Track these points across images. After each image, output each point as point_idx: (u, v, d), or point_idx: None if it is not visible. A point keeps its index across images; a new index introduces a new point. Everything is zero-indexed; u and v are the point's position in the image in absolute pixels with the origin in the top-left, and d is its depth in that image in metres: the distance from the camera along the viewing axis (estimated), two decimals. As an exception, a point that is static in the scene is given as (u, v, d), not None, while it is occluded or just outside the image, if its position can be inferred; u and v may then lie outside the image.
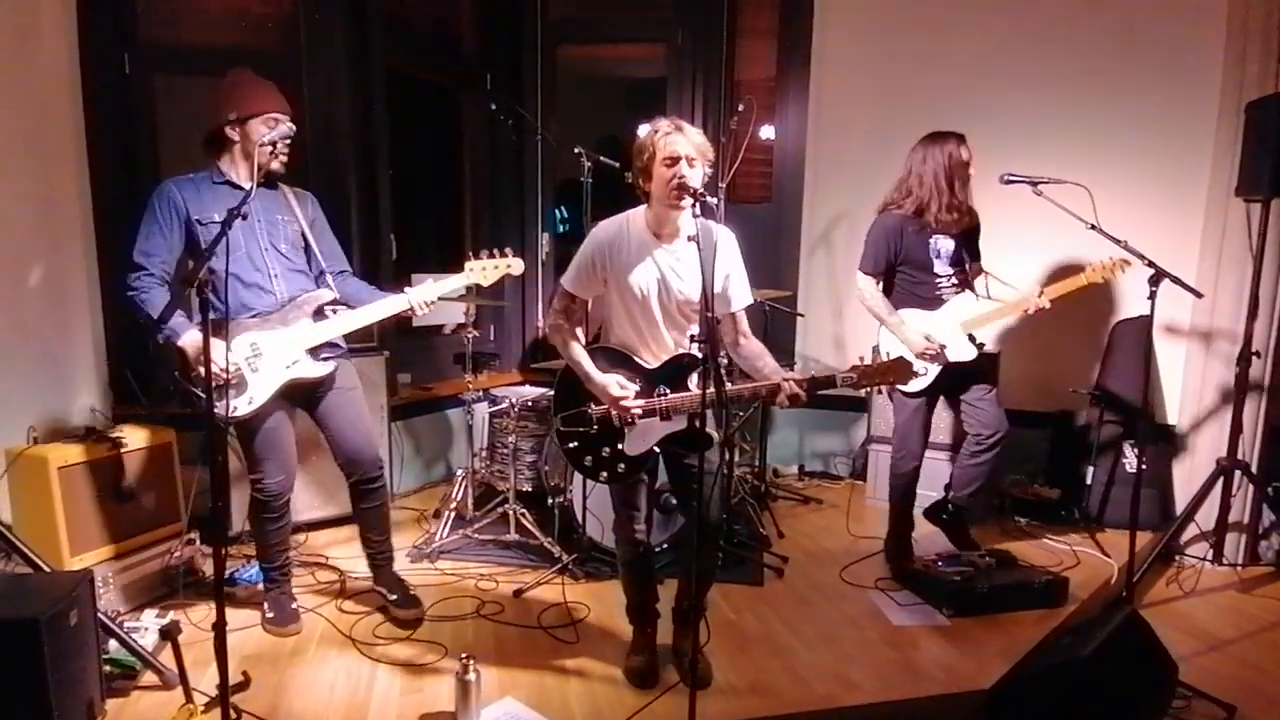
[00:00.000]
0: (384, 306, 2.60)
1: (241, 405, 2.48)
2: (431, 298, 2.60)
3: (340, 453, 2.70)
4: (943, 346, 2.99)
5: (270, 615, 2.69)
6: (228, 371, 2.40)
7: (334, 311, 2.63)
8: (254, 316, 2.52)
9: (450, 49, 4.60)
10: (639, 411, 2.23)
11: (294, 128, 2.53)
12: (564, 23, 4.61)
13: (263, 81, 2.56)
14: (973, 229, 3.12)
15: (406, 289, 2.62)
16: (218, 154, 2.55)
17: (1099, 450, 3.78)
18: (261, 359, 2.50)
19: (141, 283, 2.45)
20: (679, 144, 2.10)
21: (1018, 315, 3.00)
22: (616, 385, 2.22)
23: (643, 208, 2.25)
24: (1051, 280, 3.18)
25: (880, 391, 2.27)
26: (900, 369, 2.22)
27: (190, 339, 2.42)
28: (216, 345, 2.35)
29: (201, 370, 2.25)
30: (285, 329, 2.53)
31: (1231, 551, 3.42)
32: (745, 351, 2.36)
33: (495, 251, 2.70)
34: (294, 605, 2.73)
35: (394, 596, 2.78)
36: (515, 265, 2.69)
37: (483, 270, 2.68)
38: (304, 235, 2.65)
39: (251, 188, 2.29)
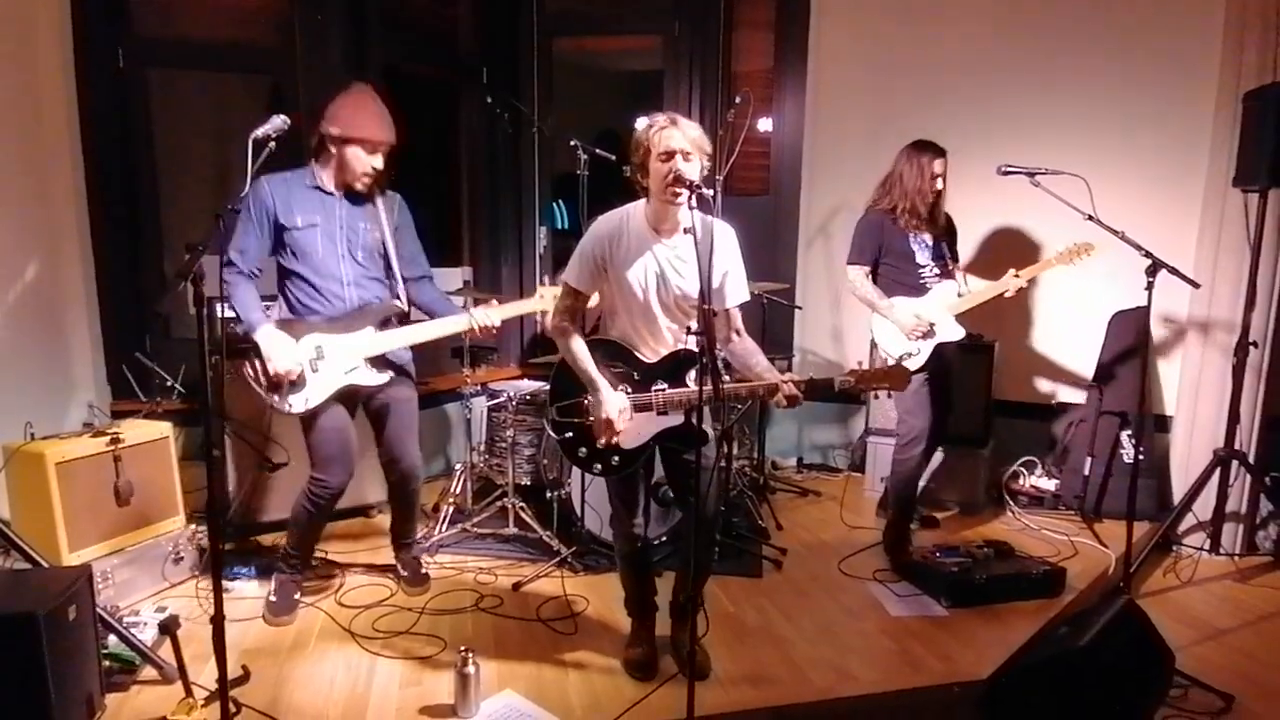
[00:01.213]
0: (444, 325, 2.69)
1: (297, 403, 2.57)
2: (496, 320, 2.68)
3: (387, 454, 2.83)
4: (932, 324, 3.13)
5: (273, 599, 2.72)
6: (275, 368, 2.48)
7: (399, 323, 2.71)
8: (321, 320, 2.60)
9: (446, 43, 4.59)
10: (628, 437, 2.23)
11: (382, 163, 2.62)
12: (560, 15, 4.60)
13: (376, 106, 2.61)
14: (949, 233, 3.29)
15: (471, 309, 2.70)
16: (316, 155, 2.62)
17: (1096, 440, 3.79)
18: (323, 361, 2.58)
19: (231, 278, 2.55)
20: (674, 138, 2.09)
21: (998, 295, 3.17)
22: (617, 410, 2.20)
23: (642, 202, 2.25)
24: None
25: (877, 396, 2.29)
26: (897, 374, 2.25)
27: (264, 336, 2.51)
28: (287, 340, 2.53)
29: (269, 364, 2.49)
30: (349, 335, 2.61)
31: (1229, 541, 3.43)
32: (737, 349, 2.35)
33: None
34: (297, 597, 2.76)
35: (405, 573, 2.95)
36: None
37: (555, 297, 2.63)
38: (384, 243, 2.70)
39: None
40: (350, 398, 2.68)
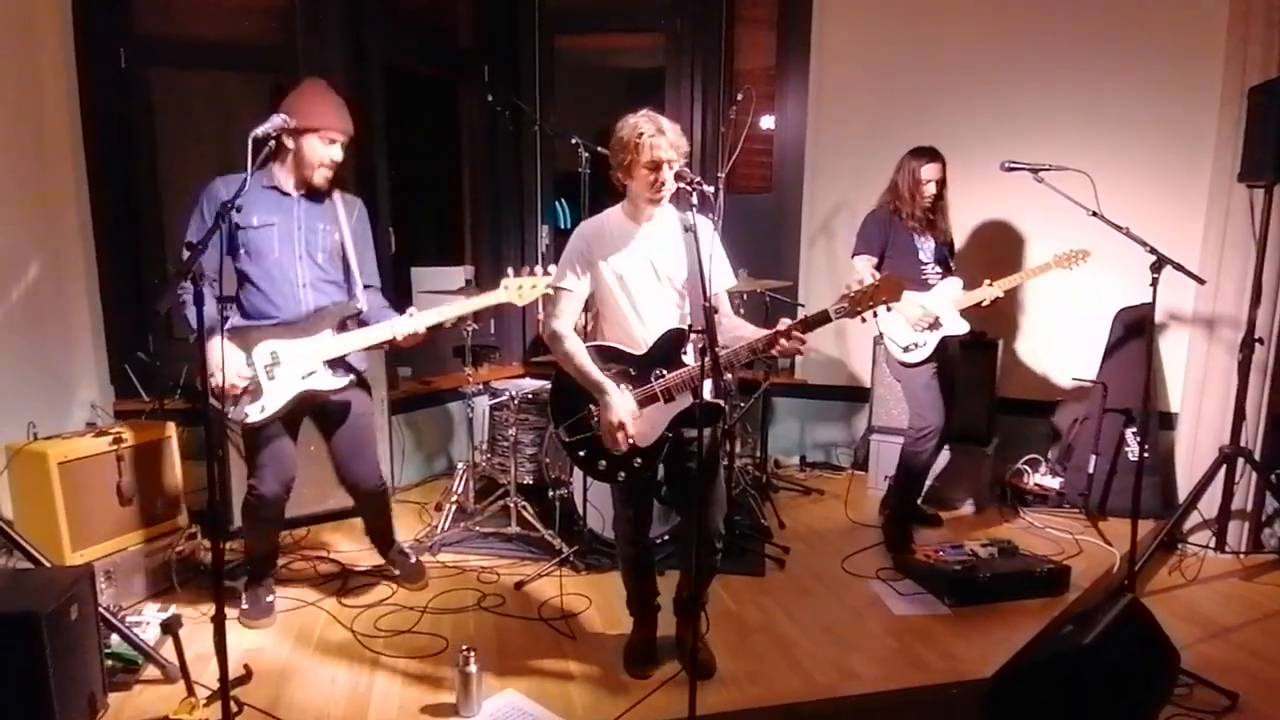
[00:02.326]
0: (370, 333, 2.55)
1: (254, 412, 2.49)
2: (420, 328, 2.53)
3: (345, 476, 2.79)
4: (937, 317, 3.18)
5: (245, 608, 2.70)
6: (218, 381, 2.36)
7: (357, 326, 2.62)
8: (275, 325, 2.52)
9: (447, 41, 4.58)
10: (643, 433, 2.20)
11: (341, 155, 2.54)
12: (561, 13, 4.59)
13: (331, 96, 2.55)
14: (947, 242, 3.37)
15: (410, 311, 2.56)
16: (273, 156, 2.54)
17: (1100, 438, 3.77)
18: (279, 368, 2.50)
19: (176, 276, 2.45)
20: (662, 149, 2.11)
21: (975, 305, 3.25)
22: (627, 412, 2.16)
23: (620, 204, 2.29)
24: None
25: (876, 314, 2.20)
26: (890, 285, 2.10)
27: (210, 346, 2.37)
28: (233, 351, 2.42)
29: (212, 380, 2.31)
30: (306, 339, 2.53)
31: (1234, 539, 3.41)
32: (725, 327, 2.32)
33: (529, 269, 2.61)
34: (269, 599, 2.73)
35: (399, 571, 2.93)
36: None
37: (519, 290, 2.59)
38: (343, 246, 2.63)
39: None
40: (301, 408, 2.58)
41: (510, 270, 2.65)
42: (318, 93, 2.54)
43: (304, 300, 2.55)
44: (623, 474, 2.25)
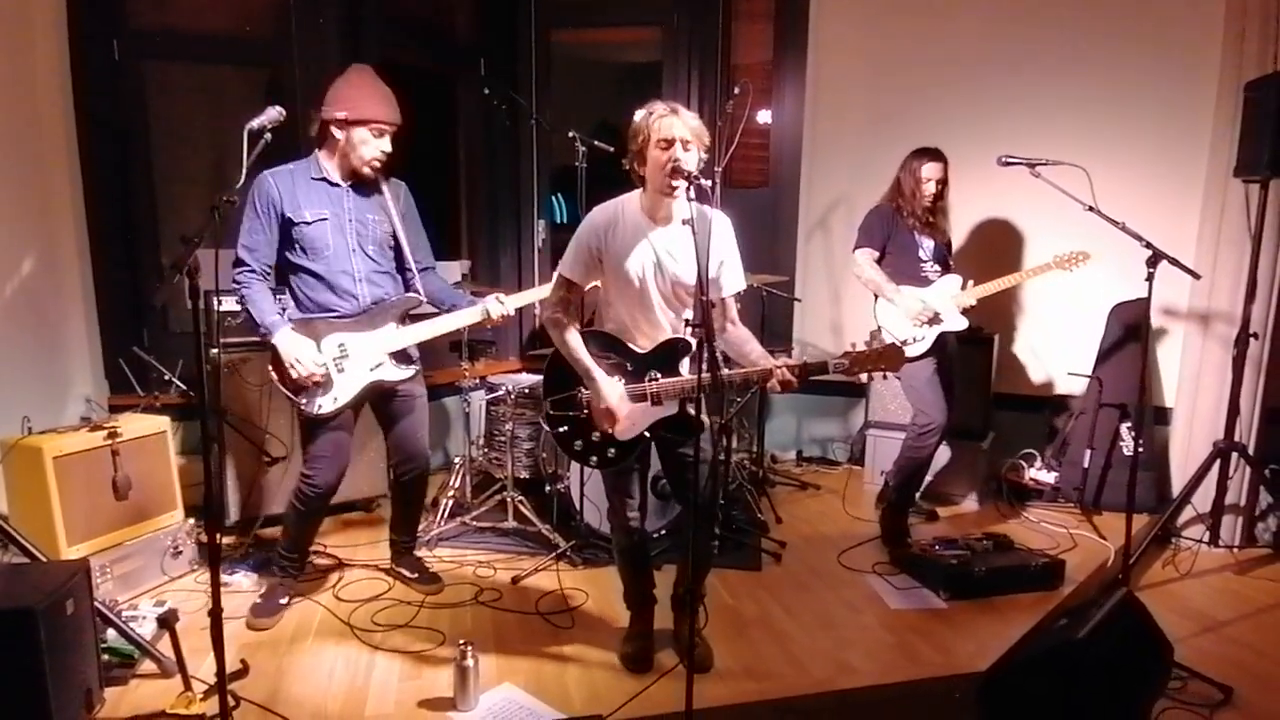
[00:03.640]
0: (460, 318, 2.64)
1: (326, 404, 2.51)
2: (510, 310, 2.64)
3: (398, 453, 2.78)
4: (937, 312, 3.19)
5: (259, 601, 2.69)
6: (299, 372, 2.44)
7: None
8: (340, 318, 2.54)
9: (444, 35, 4.56)
10: (622, 429, 2.22)
11: (390, 147, 2.55)
12: (558, 7, 4.57)
13: (379, 85, 2.53)
14: (945, 242, 3.37)
15: (487, 300, 2.65)
16: (320, 145, 2.54)
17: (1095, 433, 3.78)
18: (348, 360, 2.54)
19: (244, 278, 2.48)
20: (675, 127, 2.08)
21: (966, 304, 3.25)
22: (618, 397, 2.19)
23: (638, 192, 2.24)
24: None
25: (872, 378, 2.26)
26: (893, 355, 2.20)
27: (283, 339, 2.45)
28: (306, 344, 2.46)
29: (291, 370, 2.42)
30: (373, 332, 2.56)
31: (1228, 533, 3.42)
32: (732, 337, 2.35)
33: None
34: (284, 601, 2.71)
35: (415, 575, 2.91)
36: None
37: None
38: (394, 235, 2.63)
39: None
40: (365, 397, 2.63)
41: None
42: (366, 83, 2.51)
43: (360, 294, 2.57)
44: (595, 460, 2.29)
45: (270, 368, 2.52)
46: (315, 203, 2.50)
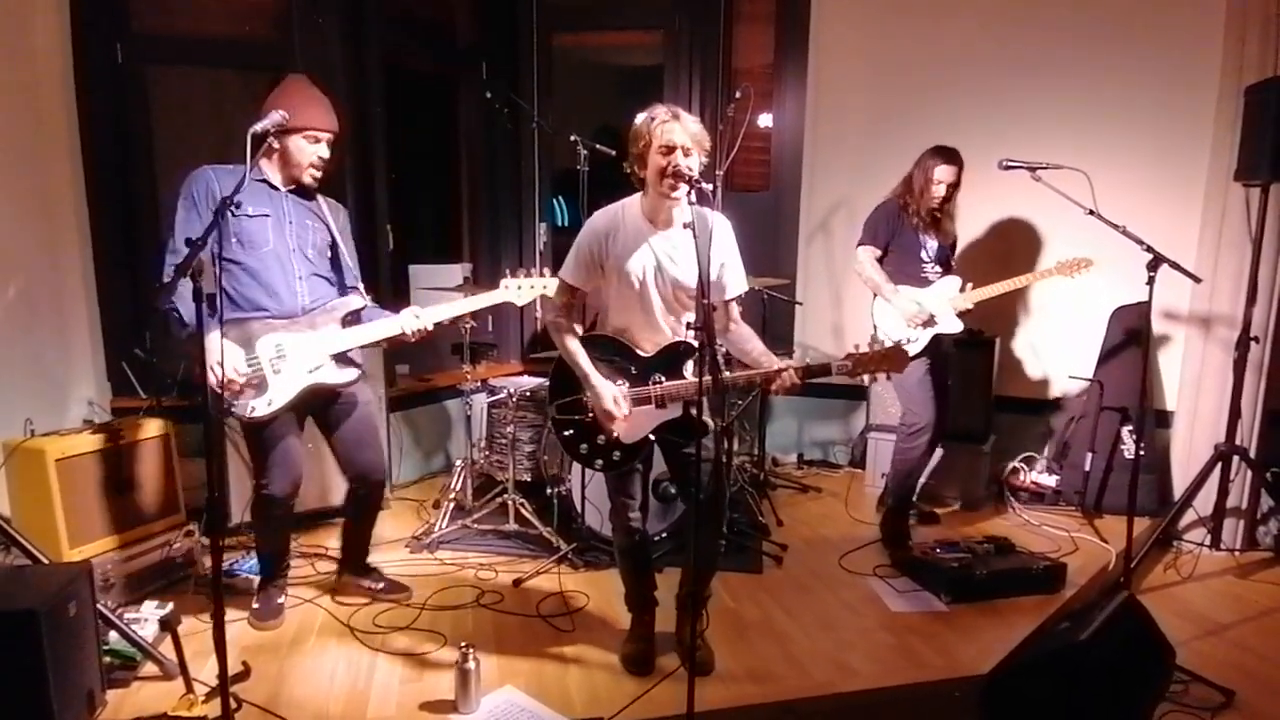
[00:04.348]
0: (377, 328, 2.57)
1: (260, 406, 2.45)
2: (428, 325, 2.57)
3: (349, 467, 2.70)
4: (932, 314, 3.19)
5: (256, 606, 2.68)
6: (221, 374, 2.33)
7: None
8: (274, 318, 2.48)
9: (445, 38, 4.57)
10: (621, 430, 2.23)
11: (328, 153, 2.52)
12: (560, 10, 4.58)
13: (315, 93, 2.53)
14: (950, 243, 3.36)
15: (415, 311, 2.58)
16: (260, 155, 2.51)
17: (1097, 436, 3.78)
18: (285, 361, 2.48)
19: (175, 274, 2.41)
20: (675, 132, 2.09)
21: (965, 305, 3.26)
22: (612, 399, 2.21)
23: (638, 195, 2.25)
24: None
25: (875, 379, 2.27)
26: (895, 357, 2.23)
27: (210, 339, 2.34)
28: (232, 346, 2.37)
29: (210, 373, 2.25)
30: (313, 332, 2.51)
31: (1229, 537, 3.42)
32: (734, 336, 2.36)
33: (530, 270, 2.65)
34: (280, 600, 2.71)
35: (381, 585, 2.84)
36: (551, 284, 2.55)
37: (519, 289, 2.65)
38: (332, 244, 2.62)
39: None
40: (306, 403, 2.56)
41: (508, 270, 2.66)
42: (300, 90, 2.50)
43: (300, 293, 2.52)
44: (600, 462, 2.30)
45: (197, 367, 2.38)
46: (257, 201, 2.46)
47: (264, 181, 2.52)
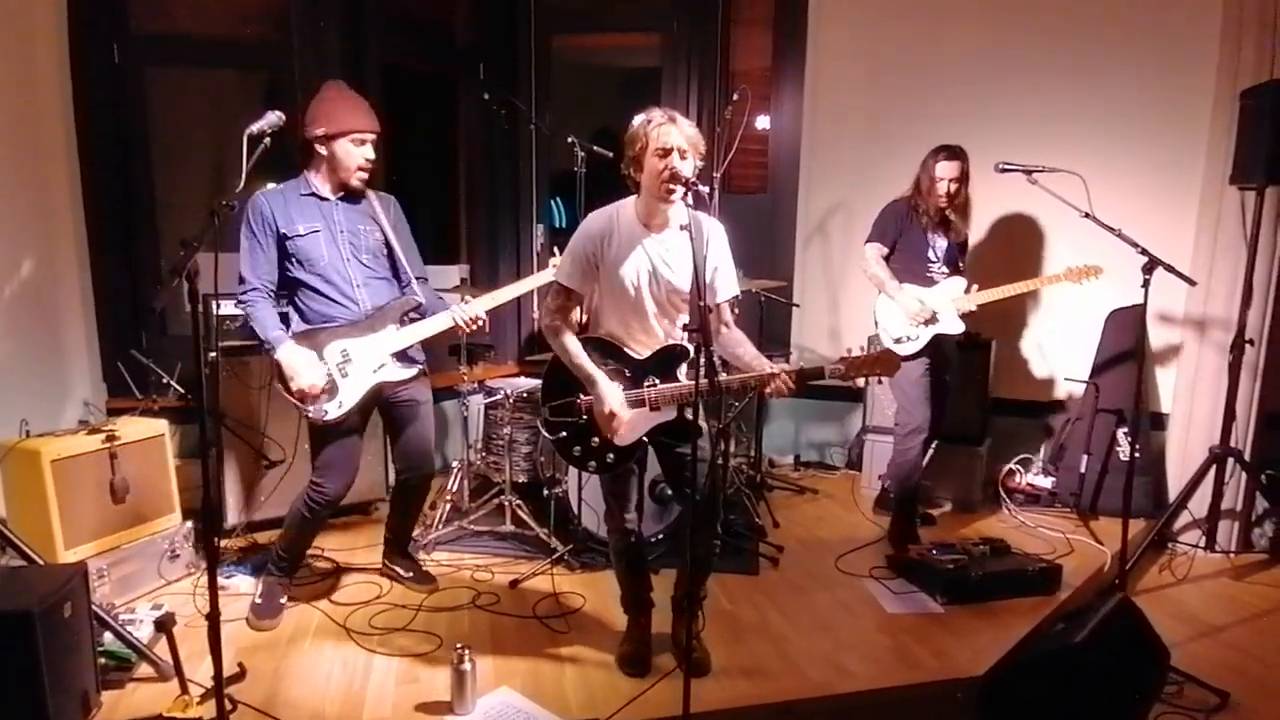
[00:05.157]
0: (432, 323, 2.66)
1: (332, 409, 2.56)
2: (480, 312, 2.65)
3: (402, 456, 2.83)
4: (934, 313, 3.19)
5: (259, 602, 2.69)
6: (299, 384, 2.50)
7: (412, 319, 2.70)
8: (341, 325, 2.59)
9: (444, 38, 4.58)
10: (622, 434, 2.23)
11: (374, 154, 2.60)
12: (558, 12, 4.58)
13: (353, 97, 2.60)
14: (960, 241, 3.35)
15: (456, 305, 2.66)
16: (306, 164, 2.61)
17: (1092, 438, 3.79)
18: (351, 364, 2.59)
19: (248, 297, 2.54)
20: (672, 136, 2.09)
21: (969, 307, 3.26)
22: (619, 402, 2.20)
23: (633, 198, 2.25)
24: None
25: (868, 383, 2.29)
26: (887, 360, 2.24)
27: (285, 354, 2.51)
28: (306, 354, 2.53)
29: (293, 383, 2.50)
30: (374, 334, 2.61)
31: (1224, 539, 3.43)
32: (725, 340, 2.36)
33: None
34: (282, 600, 2.72)
35: (409, 574, 2.94)
36: None
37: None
38: (386, 243, 2.68)
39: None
40: (372, 401, 2.67)
41: (555, 250, 2.72)
42: (340, 96, 2.59)
43: (360, 300, 2.62)
44: (594, 464, 2.31)
45: (276, 381, 2.59)
46: (307, 217, 2.57)
47: (312, 195, 2.59)
